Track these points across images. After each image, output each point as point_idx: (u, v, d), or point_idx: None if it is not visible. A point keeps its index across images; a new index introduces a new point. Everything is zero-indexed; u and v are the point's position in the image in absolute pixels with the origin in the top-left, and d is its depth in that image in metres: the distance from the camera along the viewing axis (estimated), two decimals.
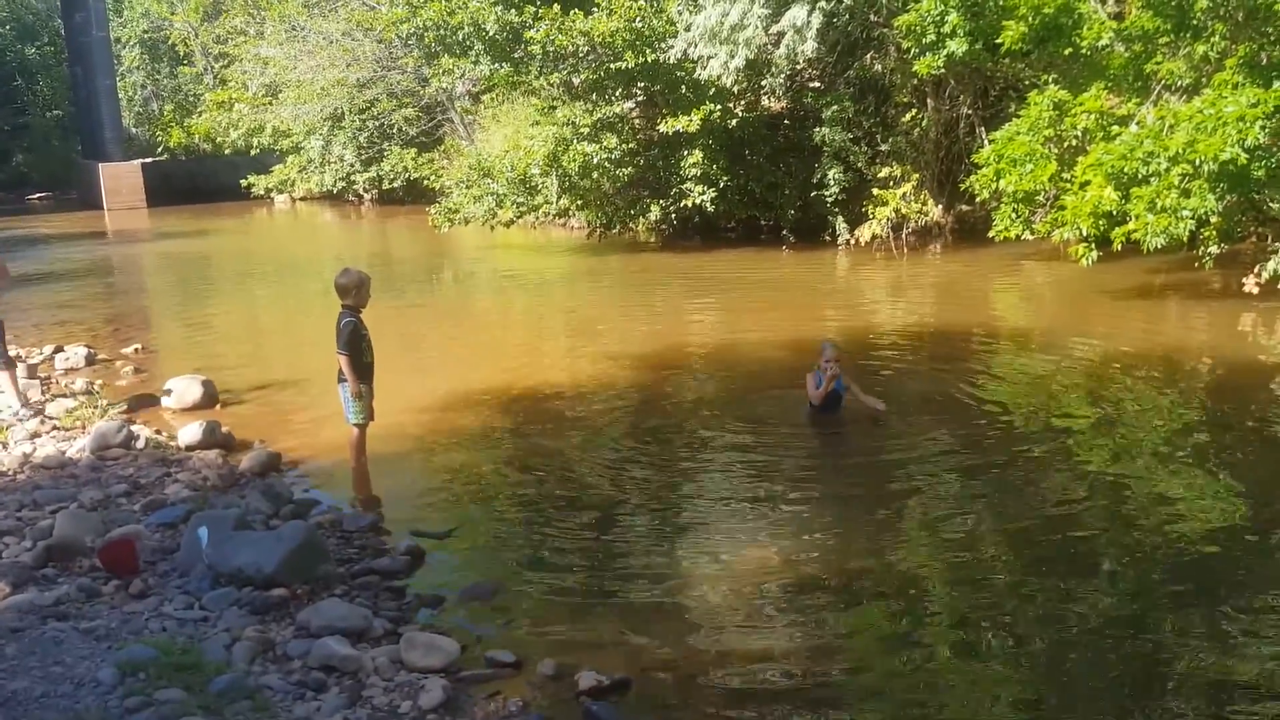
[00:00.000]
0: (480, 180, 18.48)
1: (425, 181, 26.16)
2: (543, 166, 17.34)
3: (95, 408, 8.96)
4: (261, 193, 33.60)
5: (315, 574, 5.27)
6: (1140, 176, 10.79)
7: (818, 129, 16.81)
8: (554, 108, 18.34)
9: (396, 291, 15.81)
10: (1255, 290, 11.62)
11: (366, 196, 32.24)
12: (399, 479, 7.21)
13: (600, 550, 5.86)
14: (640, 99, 18.44)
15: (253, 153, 35.19)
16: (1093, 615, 4.91)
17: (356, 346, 6.95)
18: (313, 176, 32.19)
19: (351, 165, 30.98)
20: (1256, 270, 11.69)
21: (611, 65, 16.74)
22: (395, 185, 29.75)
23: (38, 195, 42.09)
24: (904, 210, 16.61)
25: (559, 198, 17.99)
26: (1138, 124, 11.41)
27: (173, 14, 42.13)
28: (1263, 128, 10.35)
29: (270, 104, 32.10)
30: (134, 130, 42.85)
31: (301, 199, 34.33)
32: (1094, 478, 6.77)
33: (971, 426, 7.81)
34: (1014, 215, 12.41)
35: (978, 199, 13.91)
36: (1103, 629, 4.78)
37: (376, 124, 29.77)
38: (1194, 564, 5.47)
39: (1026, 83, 14.69)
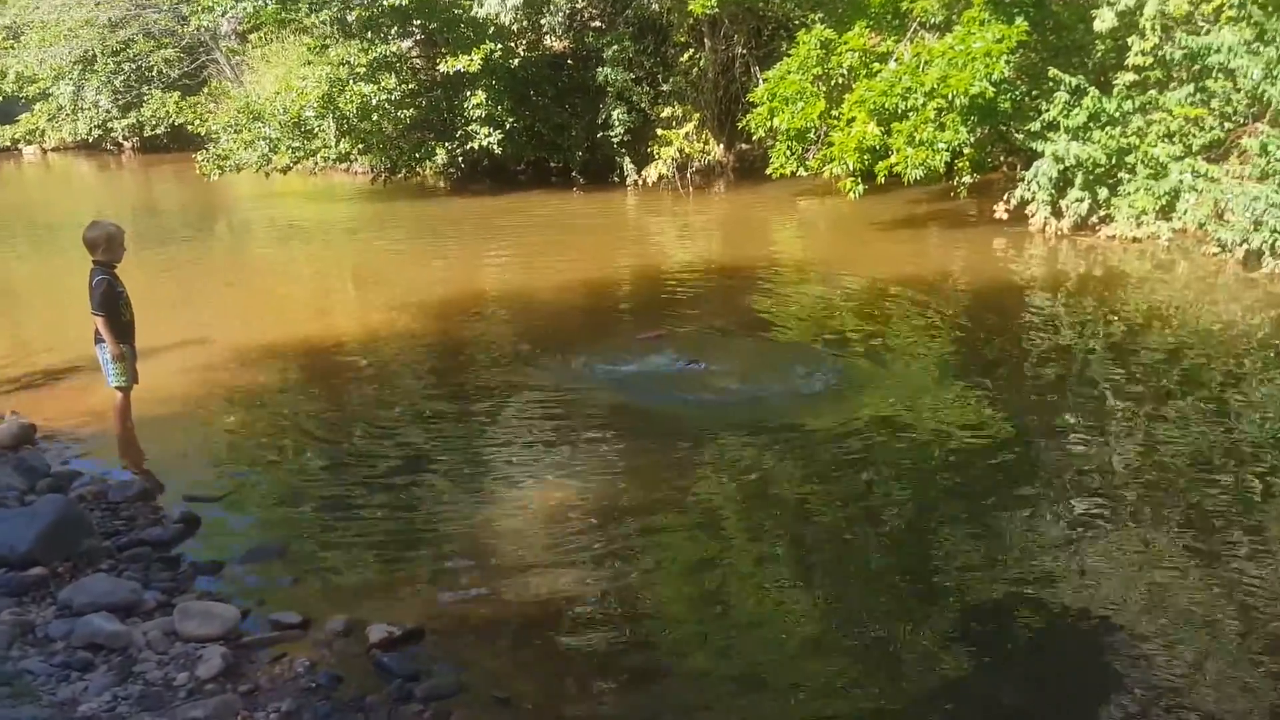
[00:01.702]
0: (251, 124, 17.54)
1: (191, 127, 24.58)
2: (318, 109, 16.63)
3: None
4: (7, 144, 30.69)
5: (77, 550, 4.99)
6: (899, 112, 11.41)
7: (600, 69, 16.84)
8: (327, 46, 17.54)
9: (165, 245, 14.91)
10: (1005, 216, 12.53)
11: (127, 145, 30.02)
12: (171, 444, 6.85)
13: (390, 502, 5.80)
14: (418, 37, 17.92)
15: None
16: (873, 529, 5.28)
17: (113, 305, 6.51)
18: (65, 125, 29.65)
19: (108, 112, 28.72)
20: (1006, 198, 12.59)
21: (385, 2, 16.15)
22: (158, 132, 27.84)
23: None
24: (687, 150, 16.94)
25: (338, 141, 17.32)
26: (896, 61, 12.01)
27: None
28: (1007, 62, 11.14)
29: (12, 48, 29.20)
30: None
31: (54, 150, 31.62)
32: (871, 396, 7.16)
33: (758, 356, 8.14)
34: (789, 153, 12.89)
35: (755, 137, 14.33)
36: (881, 540, 5.15)
37: (134, 66, 27.66)
38: (961, 470, 5.92)
39: (796, 22, 15.18)
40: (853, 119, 11.81)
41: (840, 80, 12.62)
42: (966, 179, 12.58)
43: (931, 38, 12.41)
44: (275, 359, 8.69)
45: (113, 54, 27.33)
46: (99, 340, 6.54)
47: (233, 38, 25.66)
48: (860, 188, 12.33)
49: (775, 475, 6.01)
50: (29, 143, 31.10)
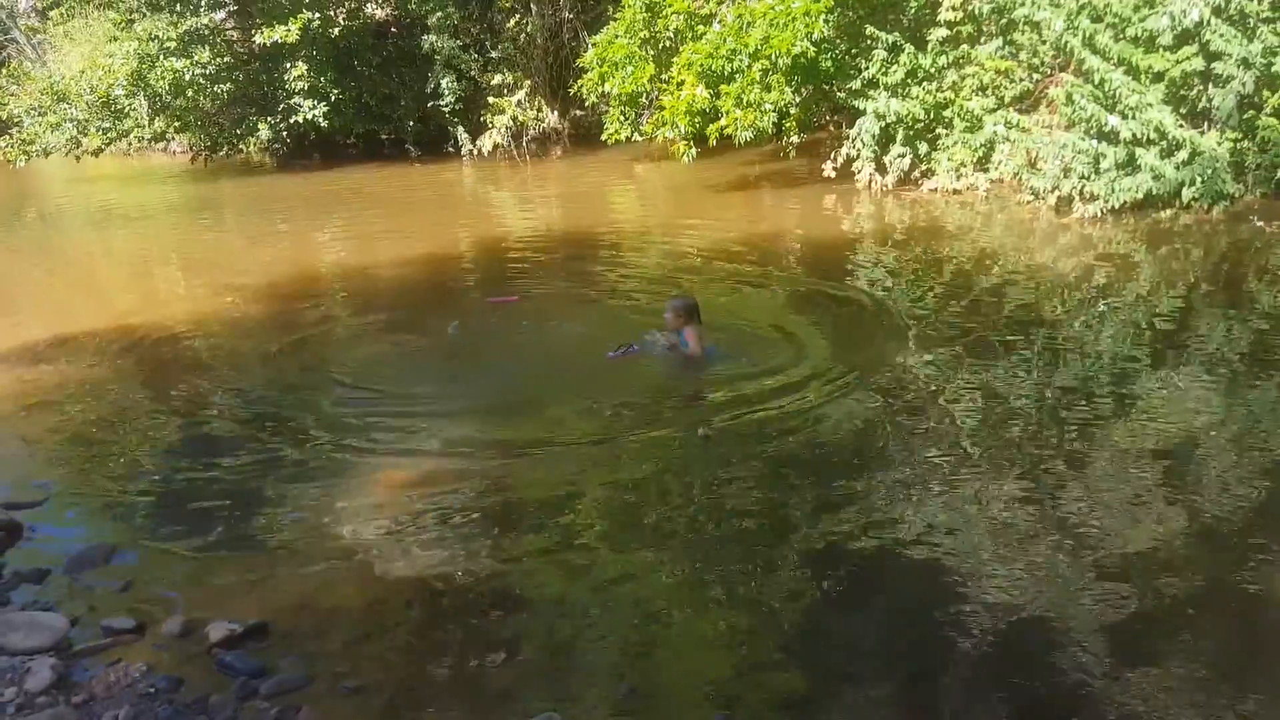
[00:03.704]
0: (56, 106, 16.58)
1: None
2: (127, 87, 15.82)
3: None
4: None
5: None
6: (726, 74, 11.61)
7: (426, 37, 16.54)
8: (133, 21, 16.64)
9: None
10: (833, 174, 12.94)
11: None
12: None
13: (225, 494, 5.58)
14: (231, 8, 17.18)
15: None
16: (715, 488, 5.35)
17: None
18: None
19: None
20: (832, 156, 13.00)
21: None
22: None
23: None
24: (521, 118, 16.85)
25: (152, 120, 16.54)
26: (720, 23, 12.19)
27: None
28: (827, 21, 11.46)
29: None
30: None
31: None
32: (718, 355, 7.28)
33: (603, 323, 8.14)
34: (622, 118, 12.98)
35: (588, 103, 14.36)
36: (726, 502, 5.22)
37: None
38: (789, 425, 6.05)
39: None
40: (682, 82, 11.96)
41: (668, 44, 12.74)
42: (794, 139, 12.93)
43: None
44: (98, 351, 8.27)
45: None
46: None
47: (32, 15, 24.06)
48: (693, 151, 12.52)
49: (623, 440, 6.01)
50: None
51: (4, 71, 24.83)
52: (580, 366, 7.26)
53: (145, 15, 16.33)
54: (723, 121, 11.82)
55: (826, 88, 12.93)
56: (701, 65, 11.58)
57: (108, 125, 16.47)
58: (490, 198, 15.53)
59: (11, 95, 22.87)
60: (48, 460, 6.27)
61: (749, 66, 11.48)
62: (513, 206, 14.85)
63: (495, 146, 16.88)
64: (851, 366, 6.81)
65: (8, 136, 17.40)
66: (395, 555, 4.87)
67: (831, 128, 14.80)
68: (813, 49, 11.33)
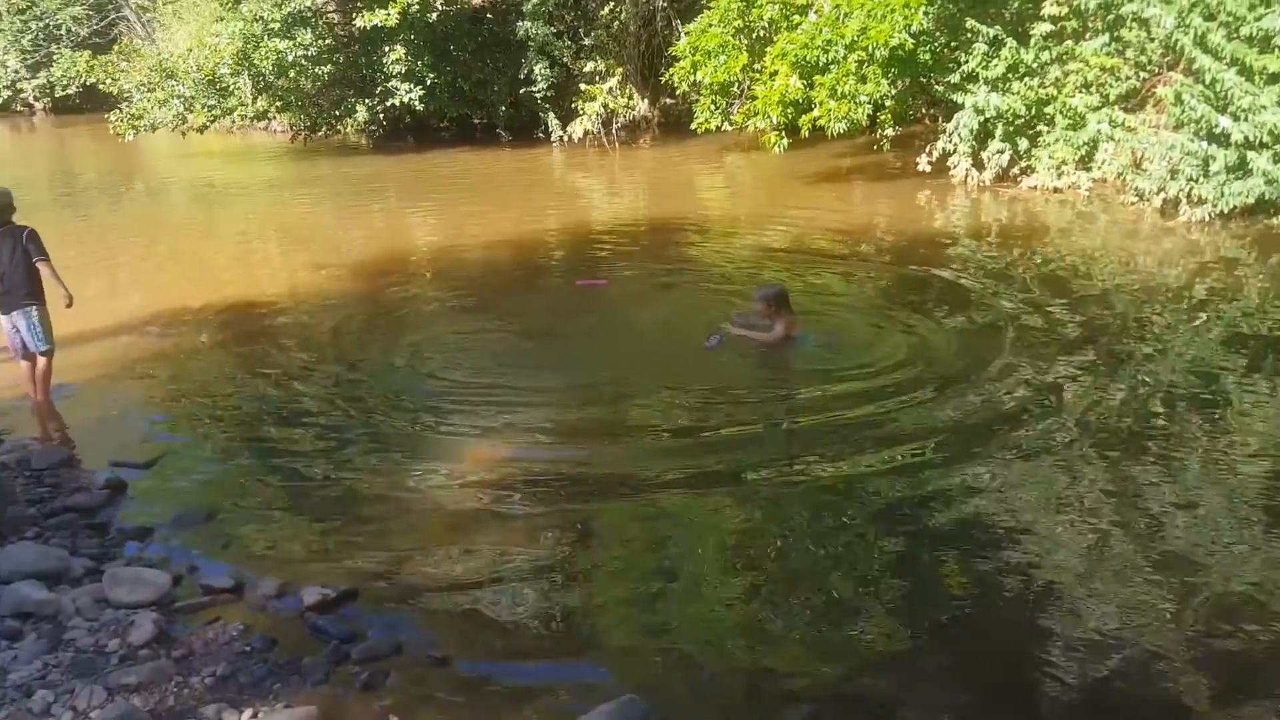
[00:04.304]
0: (164, 82, 17.11)
1: (103, 86, 23.83)
2: (232, 65, 16.26)
3: None
4: None
5: (1, 518, 4.92)
6: (821, 64, 11.48)
7: (520, 23, 16.66)
8: (239, 2, 17.08)
9: (81, 207, 14.53)
10: (928, 169, 12.72)
11: (38, 105, 29.05)
12: (94, 409, 6.75)
13: (321, 463, 5.76)
14: None
15: None
16: (808, 484, 5.31)
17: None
18: None
19: (16, 72, 27.81)
20: (928, 150, 12.78)
21: None
22: (70, 92, 26.97)
23: None
24: (611, 105, 16.88)
25: (255, 99, 16.98)
26: (815, 13, 12.06)
27: None
28: (926, 14, 11.25)
29: None
30: None
31: None
32: (807, 348, 7.17)
33: (691, 310, 8.13)
34: (713, 107, 12.93)
35: (679, 92, 14.34)
36: (815, 497, 5.18)
37: (41, 25, 26.71)
38: (887, 423, 5.94)
39: None
40: (775, 72, 11.88)
41: (762, 33, 12.66)
42: (889, 131, 12.74)
43: None
44: (199, 321, 8.57)
45: (19, 13, 26.37)
46: (25, 304, 6.42)
47: None
48: (784, 141, 12.42)
49: (718, 436, 5.96)
50: None
51: (115, 48, 25.79)
52: (667, 354, 7.28)
53: None
54: (816, 112, 11.71)
55: (923, 80, 12.71)
56: (796, 55, 11.48)
57: (213, 103, 16.96)
58: (578, 183, 15.63)
59: (122, 71, 23.73)
60: (153, 424, 6.52)
61: (845, 57, 11.35)
62: (601, 192, 14.93)
63: (585, 133, 16.95)
64: (945, 368, 6.67)
65: (117, 111, 18.01)
66: (479, 531, 4.96)
67: (927, 121, 14.55)
68: (911, 41, 11.15)
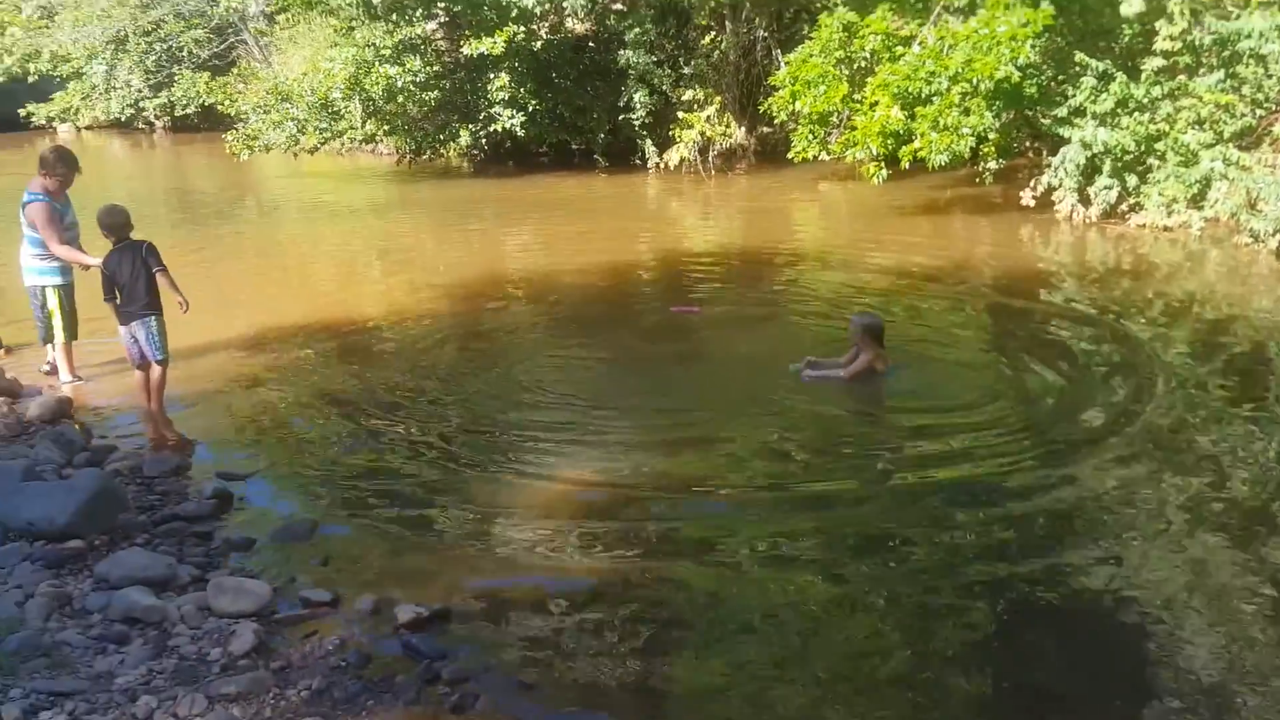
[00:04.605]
0: (279, 105, 17.73)
1: (221, 107, 24.83)
2: (344, 90, 16.77)
3: None
4: (43, 122, 31.11)
5: (114, 523, 5.12)
6: (923, 96, 11.37)
7: (622, 52, 16.87)
8: (353, 28, 17.68)
9: (196, 223, 15.14)
10: (1032, 203, 12.47)
11: (159, 124, 30.42)
12: (202, 420, 6.97)
13: (415, 483, 5.86)
14: (443, 19, 17.98)
15: (30, 79, 32.36)
16: (903, 517, 5.23)
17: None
18: (98, 104, 30.12)
19: (140, 91, 29.15)
20: (1032, 184, 12.54)
21: None
22: (189, 112, 28.15)
23: None
24: (708, 133, 16.94)
25: (364, 123, 17.48)
26: (919, 45, 11.96)
27: None
28: (1033, 47, 11.07)
29: (47, 27, 29.59)
30: None
31: (87, 128, 32.03)
32: (897, 383, 7.10)
33: (783, 341, 8.12)
34: (810, 136, 12.89)
35: (776, 121, 14.33)
36: (913, 532, 5.10)
37: (164, 47, 27.98)
38: (988, 460, 5.85)
39: (818, 5, 15.12)
40: (876, 103, 11.80)
41: (863, 64, 12.60)
42: (992, 164, 12.53)
43: (955, 21, 12.35)
44: (304, 337, 8.81)
45: (144, 34, 27.65)
46: (144, 314, 6.70)
47: (261, 19, 25.86)
48: (883, 172, 12.32)
49: (811, 463, 5.96)
50: (63, 120, 31.47)
51: (234, 71, 26.87)
52: (758, 387, 7.22)
53: (364, 24, 17.31)
54: (917, 144, 11.58)
55: (1029, 114, 12.48)
56: (898, 87, 11.39)
57: (324, 125, 17.52)
58: (674, 210, 15.71)
59: (239, 93, 24.71)
60: (259, 436, 6.72)
61: (948, 89, 11.22)
62: (696, 219, 14.98)
63: (681, 160, 17.05)
64: (1049, 416, 6.48)
65: (234, 131, 18.73)
66: (568, 559, 4.99)
67: (1031, 154, 14.28)
68: (1017, 74, 10.97)
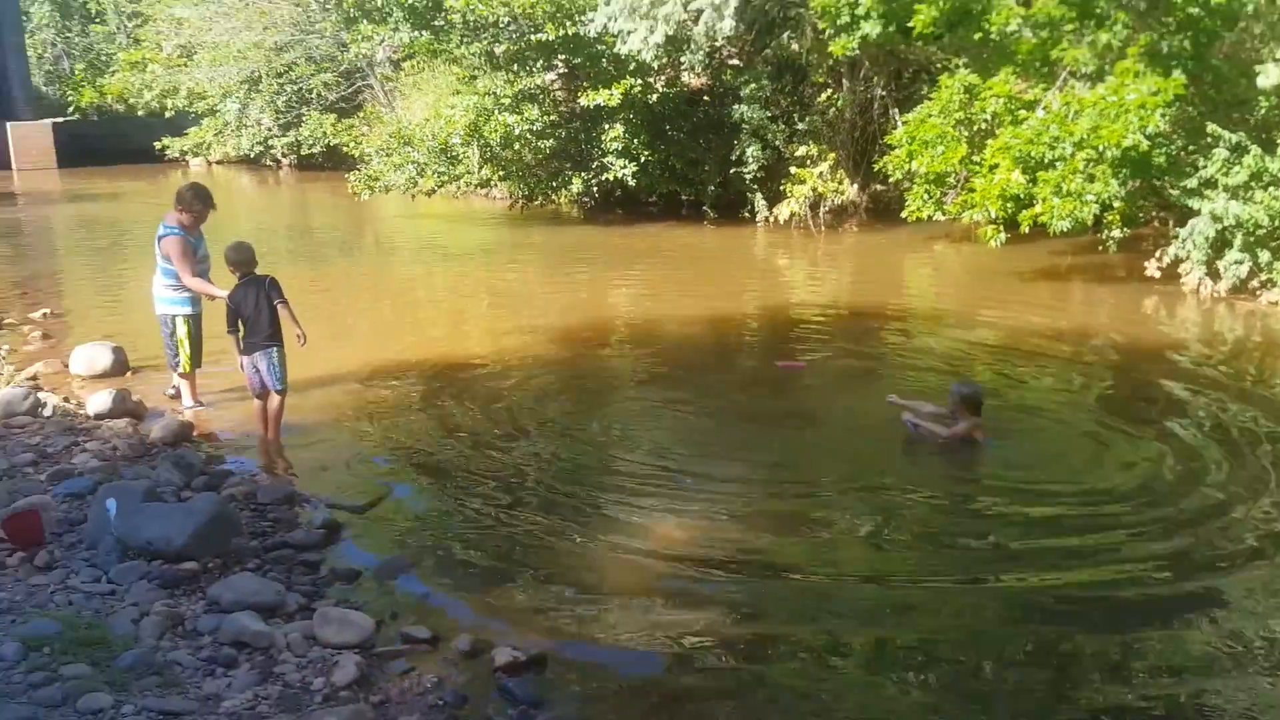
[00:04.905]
0: (401, 148, 18.30)
1: (345, 148, 25.77)
2: (464, 136, 17.23)
3: (0, 374, 8.73)
4: (176, 155, 32.73)
5: (227, 547, 5.24)
6: (1046, 161, 11.13)
7: (736, 106, 16.96)
8: (475, 77, 18.20)
9: (316, 259, 15.64)
10: (1157, 274, 12.07)
11: (285, 161, 31.68)
12: (314, 450, 7.15)
13: (519, 525, 5.90)
14: (561, 71, 18.38)
15: (167, 114, 34.14)
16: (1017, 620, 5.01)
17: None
18: (229, 140, 31.53)
19: (269, 130, 30.44)
20: (1158, 255, 12.14)
21: (532, 37, 16.63)
22: (314, 151, 29.29)
23: None
24: (821, 189, 16.87)
25: (480, 168, 17.91)
26: (1044, 109, 11.74)
27: None
28: (1163, 115, 10.75)
29: (185, 65, 31.22)
30: (44, 89, 41.24)
31: (218, 162, 33.54)
32: (1000, 453, 6.93)
33: (888, 404, 7.97)
34: (926, 196, 12.72)
35: (891, 179, 14.19)
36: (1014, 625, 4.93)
37: (295, 88, 29.21)
38: (1076, 529, 5.70)
39: (938, 66, 15.00)
40: (996, 165, 11.59)
41: (983, 126, 12.40)
42: (1116, 233, 12.16)
43: (1082, 87, 12.10)
44: (413, 375, 8.99)
45: (277, 76, 28.92)
46: (266, 346, 6.94)
47: (387, 65, 26.81)
48: (1001, 236, 12.06)
49: (911, 555, 5.66)
50: (196, 154, 33.05)
51: (359, 114, 27.89)
52: (859, 450, 7.15)
53: (486, 73, 17.81)
54: (1038, 209, 11.32)
55: (1156, 183, 12.11)
56: (1020, 150, 11.18)
57: (443, 169, 18.02)
58: (781, 265, 15.65)
59: (363, 135, 25.61)
60: (367, 470, 6.84)
61: (1072, 155, 10.96)
62: (803, 275, 14.89)
63: (791, 215, 16.99)
64: (1166, 500, 6.13)
65: (356, 171, 19.40)
66: (679, 614, 4.90)
67: (1158, 224, 13.83)
68: (1146, 143, 10.65)
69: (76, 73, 41.43)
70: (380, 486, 6.54)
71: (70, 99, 38.73)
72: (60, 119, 36.39)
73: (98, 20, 42.18)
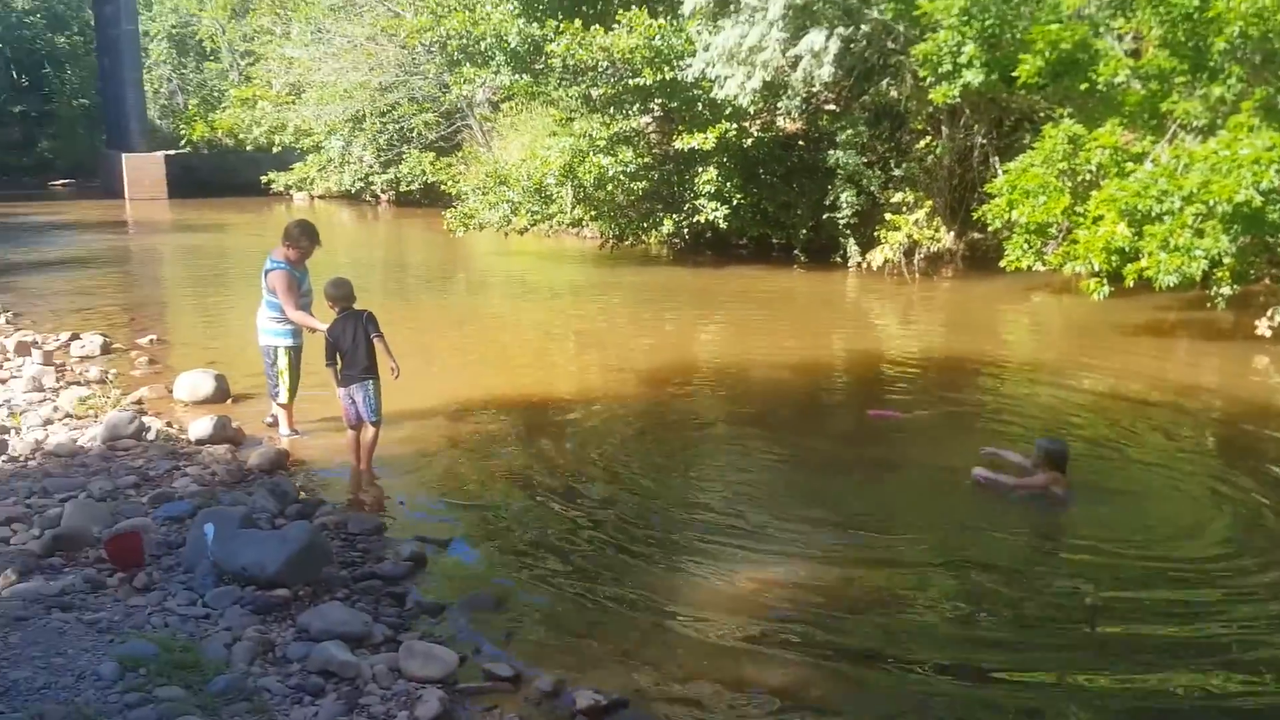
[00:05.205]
0: (496, 187, 18.63)
1: (442, 185, 26.35)
2: (558, 177, 17.46)
3: (108, 397, 9.05)
4: (281, 189, 33.87)
5: (318, 576, 5.31)
6: (1154, 214, 10.81)
7: (832, 151, 16.88)
8: (572, 119, 18.47)
9: (409, 294, 15.95)
10: (1268, 334, 11.60)
11: (383, 197, 32.54)
12: (403, 482, 7.25)
13: (603, 565, 5.87)
14: (657, 114, 18.55)
15: (274, 150, 35.43)
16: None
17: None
18: (332, 176, 32.49)
19: (370, 166, 31.33)
20: (1269, 313, 11.69)
21: (630, 81, 16.84)
22: (412, 188, 30.02)
23: (61, 182, 42.42)
24: (916, 236, 16.65)
25: (573, 208, 18.11)
26: (1152, 162, 11.43)
27: (201, 10, 42.75)
28: (1278, 171, 10.38)
29: (293, 103, 32.36)
30: (158, 122, 43.16)
31: (320, 197, 34.58)
32: (1094, 512, 6.71)
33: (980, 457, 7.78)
34: (1026, 246, 12.44)
35: (990, 228, 13.93)
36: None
37: (396, 127, 30.03)
38: (1181, 615, 5.44)
39: (1041, 115, 14.74)
40: (1100, 217, 11.29)
41: (1087, 177, 12.12)
42: (1225, 290, 11.72)
43: (1192, 140, 11.76)
44: (501, 410, 9.06)
45: (380, 115, 29.80)
46: (363, 378, 7.07)
47: (486, 106, 27.40)
48: (1105, 289, 11.72)
49: (1006, 639, 5.21)
50: (299, 189, 34.15)
51: (457, 153, 28.52)
52: (953, 508, 6.90)
53: (583, 115, 18.10)
54: (1143, 263, 10.99)
55: (1270, 239, 11.66)
56: (1126, 203, 10.88)
57: (536, 209, 18.29)
58: (873, 311, 15.45)
59: (460, 173, 26.16)
60: (454, 504, 6.90)
61: (1181, 209, 10.62)
62: (896, 321, 14.68)
63: (885, 261, 16.80)
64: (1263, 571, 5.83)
65: (452, 209, 19.80)
66: (741, 667, 4.80)
67: (1270, 282, 13.31)
68: (1259, 198, 10.28)
69: (190, 107, 43.26)
70: (466, 520, 6.59)
71: (183, 132, 40.40)
72: (172, 151, 38.00)
73: (212, 58, 44.12)
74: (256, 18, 38.21)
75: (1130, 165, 11.61)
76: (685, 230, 18.61)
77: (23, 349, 10.70)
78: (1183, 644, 5.10)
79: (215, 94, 42.90)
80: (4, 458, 7.23)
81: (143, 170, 35.50)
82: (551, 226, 19.25)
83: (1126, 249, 11.05)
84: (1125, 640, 5.17)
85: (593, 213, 18.68)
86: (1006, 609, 5.49)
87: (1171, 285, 11.01)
